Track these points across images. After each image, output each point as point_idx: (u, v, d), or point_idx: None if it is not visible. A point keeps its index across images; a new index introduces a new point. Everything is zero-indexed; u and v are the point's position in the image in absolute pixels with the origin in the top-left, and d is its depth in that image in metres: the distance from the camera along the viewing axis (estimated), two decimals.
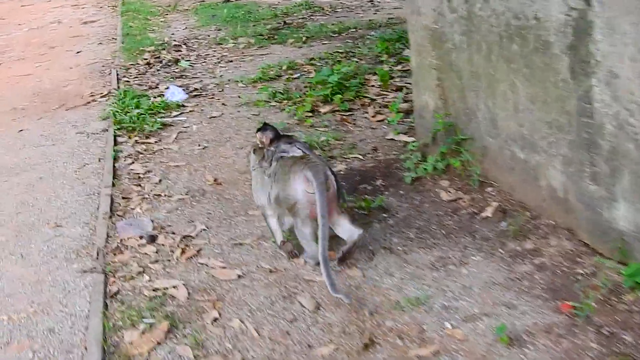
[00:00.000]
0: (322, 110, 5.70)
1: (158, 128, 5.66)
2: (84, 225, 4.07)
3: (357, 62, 7.03)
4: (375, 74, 6.49)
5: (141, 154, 5.15)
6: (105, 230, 3.89)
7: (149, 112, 6.03)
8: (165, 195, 4.36)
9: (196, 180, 4.55)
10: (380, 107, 5.63)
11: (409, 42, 4.39)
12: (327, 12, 10.41)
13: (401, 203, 3.91)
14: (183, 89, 6.73)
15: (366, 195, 4.00)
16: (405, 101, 5.42)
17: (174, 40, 9.37)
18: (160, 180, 4.59)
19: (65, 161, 5.19)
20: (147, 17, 11.61)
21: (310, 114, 5.63)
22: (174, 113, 6.10)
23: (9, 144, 5.76)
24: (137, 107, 6.14)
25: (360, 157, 4.62)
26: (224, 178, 4.53)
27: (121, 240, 3.78)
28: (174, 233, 3.83)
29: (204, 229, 3.85)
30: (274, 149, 3.34)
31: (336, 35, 8.72)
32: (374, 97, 5.89)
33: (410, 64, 4.41)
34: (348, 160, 4.60)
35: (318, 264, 3.05)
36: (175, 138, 5.44)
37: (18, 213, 4.35)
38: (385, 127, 5.19)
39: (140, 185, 4.56)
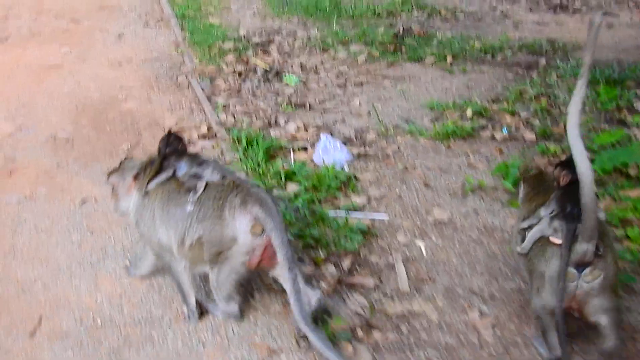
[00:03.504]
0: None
1: (358, 242, 3.04)
2: None
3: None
4: None
5: (367, 321, 2.52)
6: None
7: (316, 190, 3.41)
8: None
9: None
10: None
11: None
12: (447, 18, 7.77)
13: None
14: (341, 142, 4.09)
15: None
16: None
17: (254, 35, 6.63)
18: None
19: None
20: None
21: None
22: (357, 199, 3.47)
23: (69, 245, 3.08)
24: (290, 178, 3.50)
25: None
26: None
27: None
28: None
29: None
30: (174, 164, 2.54)
31: (487, 56, 6.14)
32: None
33: None
34: None
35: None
36: (409, 278, 2.83)
37: None
38: None
39: None
